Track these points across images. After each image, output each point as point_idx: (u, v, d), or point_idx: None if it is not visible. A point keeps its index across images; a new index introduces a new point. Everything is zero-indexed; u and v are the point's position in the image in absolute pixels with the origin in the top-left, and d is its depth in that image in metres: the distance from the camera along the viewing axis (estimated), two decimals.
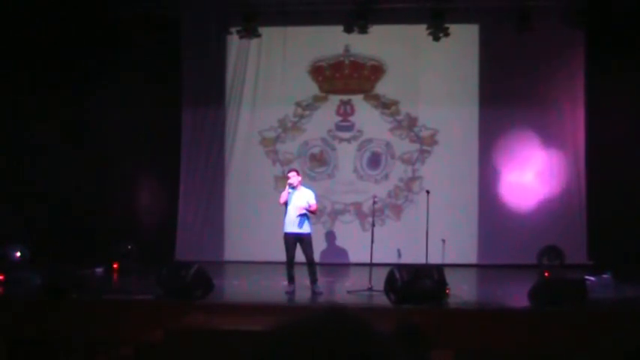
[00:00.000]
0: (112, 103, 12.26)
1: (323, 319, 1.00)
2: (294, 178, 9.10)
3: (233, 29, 12.08)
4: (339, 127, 12.72)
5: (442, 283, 8.18)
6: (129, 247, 11.44)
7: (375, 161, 12.66)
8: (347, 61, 12.74)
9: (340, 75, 12.76)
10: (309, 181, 11.49)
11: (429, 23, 11.54)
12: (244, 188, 12.62)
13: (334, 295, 9.53)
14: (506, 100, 12.26)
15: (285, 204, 9.05)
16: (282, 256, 9.13)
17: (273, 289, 9.39)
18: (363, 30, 11.70)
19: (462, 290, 9.07)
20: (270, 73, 12.71)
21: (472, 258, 12.08)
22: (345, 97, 12.72)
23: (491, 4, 12.05)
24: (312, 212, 9.16)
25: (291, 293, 8.91)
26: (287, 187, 9.12)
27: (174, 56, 12.54)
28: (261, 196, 12.28)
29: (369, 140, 12.66)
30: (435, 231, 10.02)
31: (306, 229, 9.03)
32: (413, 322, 3.62)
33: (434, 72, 12.43)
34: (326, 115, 12.69)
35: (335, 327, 0.98)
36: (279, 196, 9.35)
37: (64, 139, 11.93)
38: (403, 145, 12.59)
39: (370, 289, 8.89)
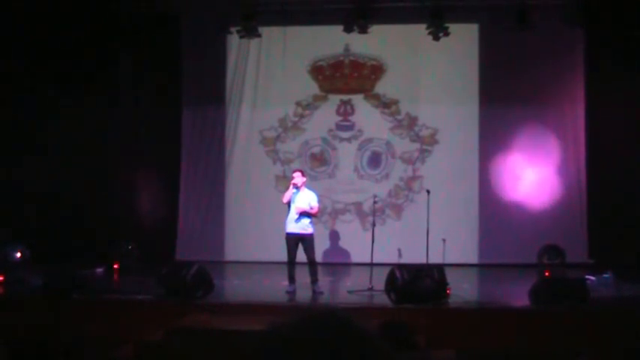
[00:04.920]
0: (112, 102, 12.26)
1: (314, 320, 1.00)
2: (298, 178, 9.11)
3: (233, 29, 12.05)
4: (339, 127, 12.71)
5: (443, 283, 8.18)
6: (129, 247, 11.45)
7: (375, 161, 12.65)
8: (347, 61, 12.73)
9: (340, 74, 12.75)
10: (309, 180, 11.43)
11: (428, 23, 11.51)
12: (244, 188, 12.61)
13: (335, 295, 9.53)
14: (507, 99, 12.23)
15: (288, 204, 9.06)
16: (282, 256, 9.13)
17: (273, 289, 9.39)
18: (363, 29, 11.67)
19: (462, 290, 9.05)
20: (270, 72, 12.70)
21: (473, 257, 12.06)
22: (345, 97, 12.71)
23: (490, 3, 12.04)
24: (312, 215, 9.16)
25: (291, 293, 8.91)
26: (291, 186, 9.13)
27: (175, 56, 12.54)
28: (262, 195, 12.29)
29: (370, 140, 12.64)
30: (435, 230, 10.00)
31: (308, 229, 9.04)
32: (401, 320, 3.61)
33: (434, 71, 12.41)
34: (326, 115, 12.67)
35: (326, 328, 0.98)
36: (281, 196, 9.40)
37: (64, 138, 11.92)
38: (403, 145, 12.58)
39: (371, 288, 8.88)
